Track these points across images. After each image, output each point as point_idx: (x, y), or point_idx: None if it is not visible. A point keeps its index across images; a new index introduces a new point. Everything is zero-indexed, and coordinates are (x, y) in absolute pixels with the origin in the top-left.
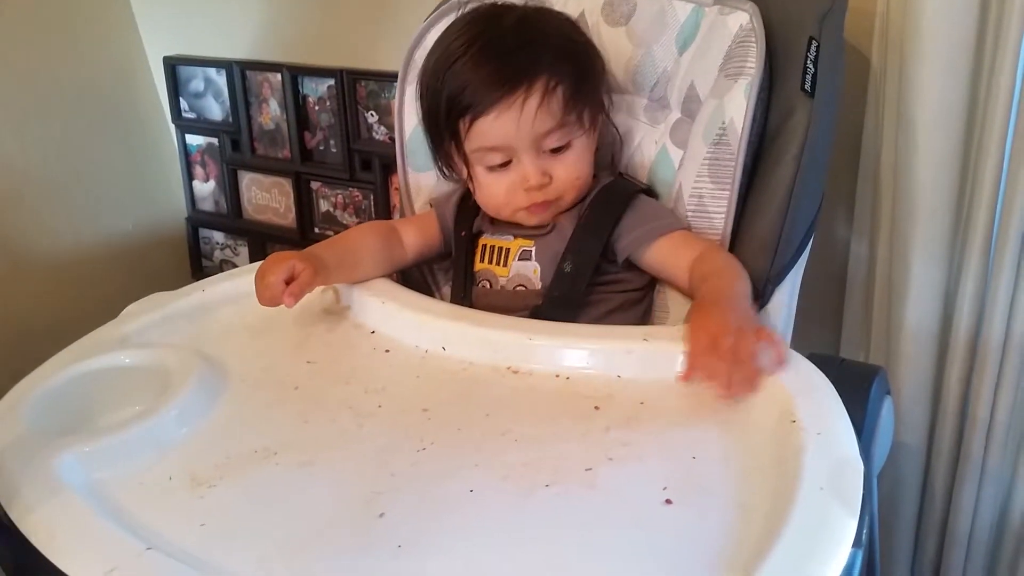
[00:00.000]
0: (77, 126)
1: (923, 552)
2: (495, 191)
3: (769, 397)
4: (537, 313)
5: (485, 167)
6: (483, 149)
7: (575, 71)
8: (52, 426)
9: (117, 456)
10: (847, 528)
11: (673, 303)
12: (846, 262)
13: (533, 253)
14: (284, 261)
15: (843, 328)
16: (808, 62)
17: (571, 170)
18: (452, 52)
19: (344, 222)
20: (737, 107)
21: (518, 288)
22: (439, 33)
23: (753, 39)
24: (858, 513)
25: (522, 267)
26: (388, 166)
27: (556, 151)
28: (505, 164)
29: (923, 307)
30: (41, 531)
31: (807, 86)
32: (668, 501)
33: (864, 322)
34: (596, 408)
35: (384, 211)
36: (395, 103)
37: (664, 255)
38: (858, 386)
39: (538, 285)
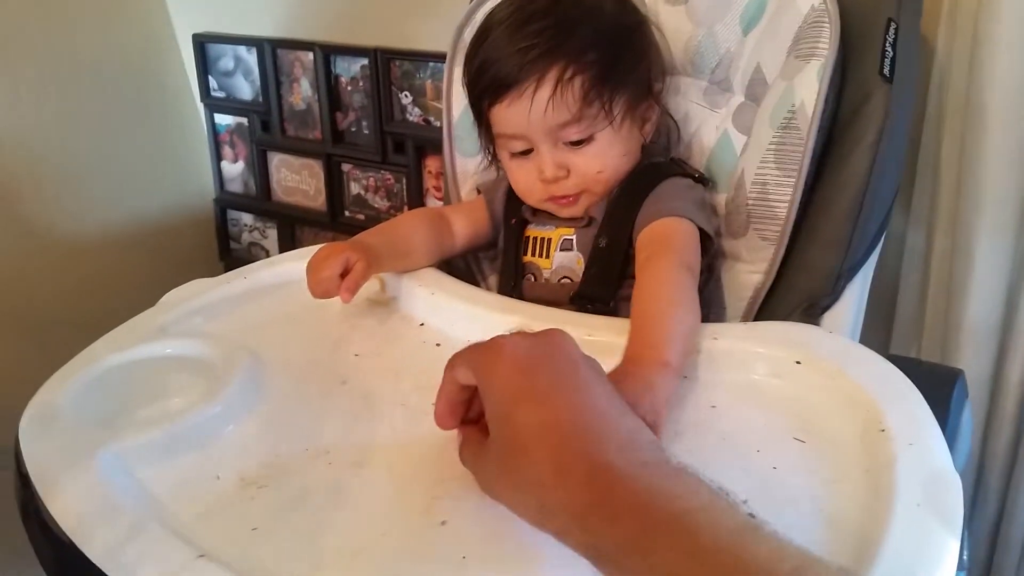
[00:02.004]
0: (102, 105)
1: (975, 556)
2: (517, 179)
3: (852, 403)
4: (578, 296)
5: (508, 152)
6: (504, 135)
7: (604, 59)
8: (91, 419)
9: (161, 453)
10: (949, 549)
11: (731, 298)
12: (899, 255)
13: (574, 242)
14: (338, 253)
15: (895, 323)
16: (887, 45)
17: (592, 164)
18: (489, 25)
19: (375, 205)
20: (808, 90)
21: (563, 280)
22: (490, 9)
23: (827, 19)
24: (960, 532)
25: (565, 257)
26: (422, 148)
27: (576, 143)
28: (527, 151)
29: (984, 303)
30: (84, 532)
31: (886, 70)
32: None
33: (917, 318)
34: None
35: (417, 194)
36: (443, 84)
37: (642, 238)
38: (939, 391)
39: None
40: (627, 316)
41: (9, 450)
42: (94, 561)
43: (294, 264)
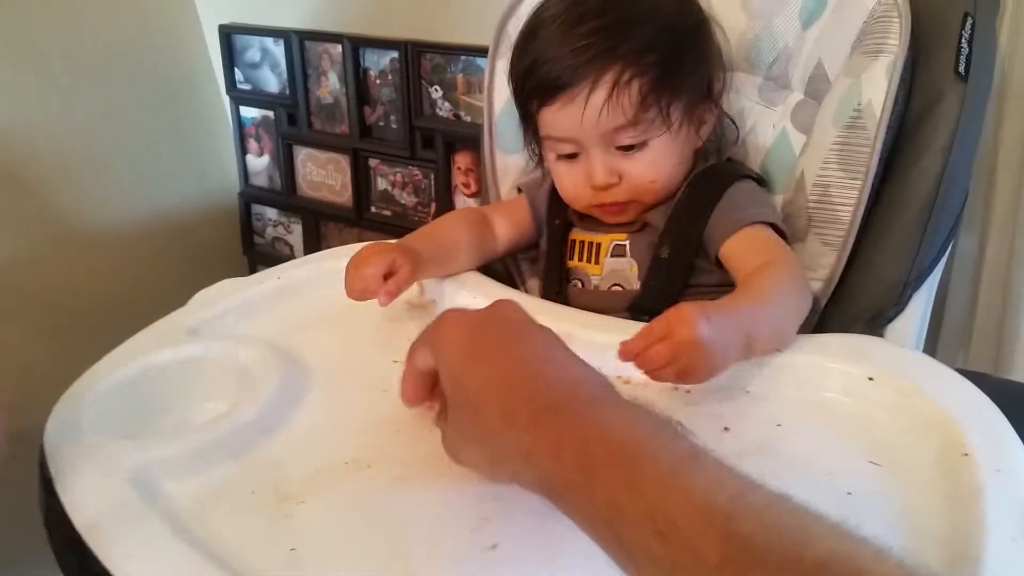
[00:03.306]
0: (126, 97)
1: None
2: (564, 183)
3: (930, 423)
4: (635, 306)
5: (555, 154)
6: (552, 138)
7: (664, 61)
8: (119, 426)
9: (192, 464)
10: None
11: None
12: (950, 260)
13: (628, 248)
14: (384, 253)
15: (941, 330)
16: (963, 41)
17: (646, 172)
18: (540, 20)
19: (402, 201)
20: (877, 88)
21: (614, 288)
22: (534, 3)
23: (896, 14)
24: None
25: (616, 264)
26: (451, 144)
27: (629, 148)
28: (574, 155)
29: None
30: (109, 548)
31: (961, 68)
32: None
33: (965, 327)
34: (726, 429)
35: (445, 191)
36: (485, 78)
37: (735, 250)
38: (1012, 410)
39: (637, 284)
40: None
41: (28, 435)
42: None
43: (330, 264)
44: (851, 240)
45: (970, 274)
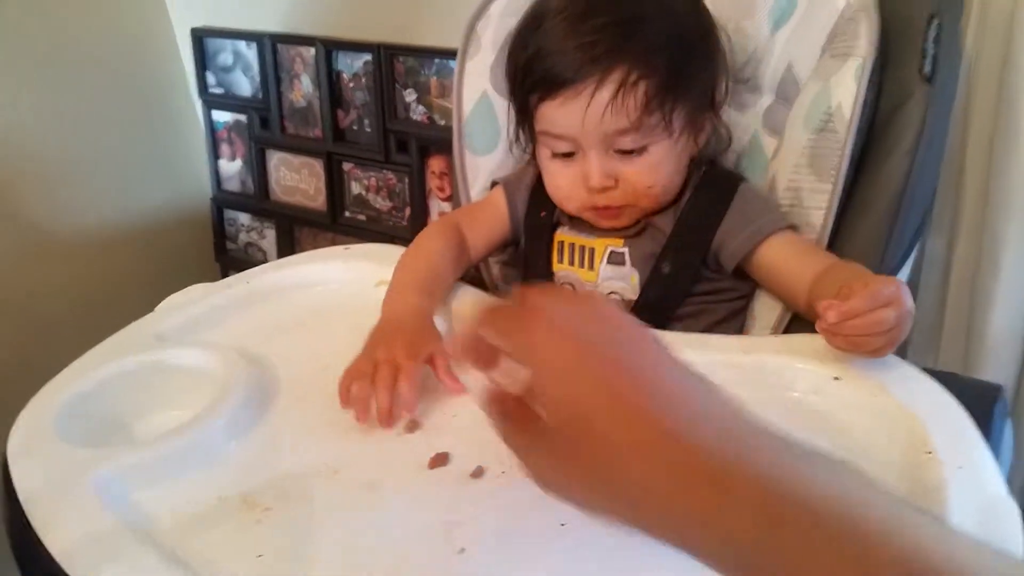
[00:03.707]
0: (99, 100)
1: None
2: (557, 182)
3: (895, 422)
4: (633, 312)
5: (551, 152)
6: (549, 134)
7: (672, 64)
8: (85, 435)
9: (159, 472)
10: None
11: (761, 308)
12: (917, 261)
13: (627, 257)
14: (384, 385)
15: (912, 334)
16: (928, 42)
17: (643, 177)
18: (543, 11)
19: (376, 206)
20: (846, 91)
21: (611, 296)
22: (504, 4)
23: (864, 15)
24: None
25: (615, 272)
26: (426, 148)
27: (628, 152)
28: (571, 154)
29: (1010, 312)
30: (76, 559)
31: (926, 70)
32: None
33: (935, 327)
34: None
35: (419, 195)
36: (454, 78)
37: (783, 258)
38: (978, 408)
39: (636, 293)
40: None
41: None
42: None
43: (299, 268)
44: (824, 242)
45: (939, 276)
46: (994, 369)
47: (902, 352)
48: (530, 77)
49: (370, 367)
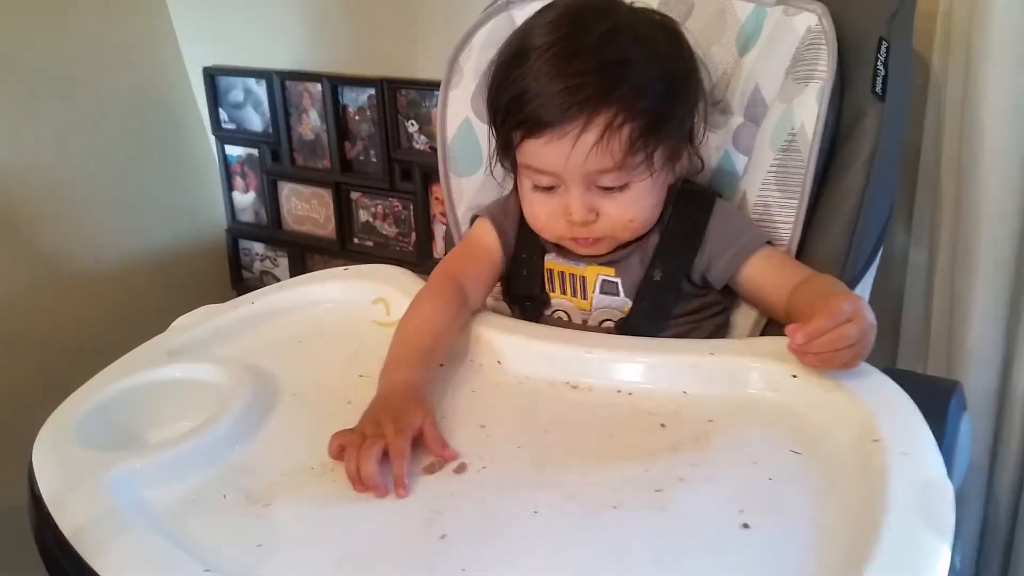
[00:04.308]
0: (116, 138)
1: (987, 569)
2: (537, 212)
3: (848, 414)
4: (624, 326)
5: (532, 184)
6: (531, 168)
7: (656, 108)
8: (102, 442)
9: (169, 473)
10: (940, 556)
11: (737, 316)
12: (903, 272)
13: (620, 287)
14: (368, 452)
15: (900, 339)
16: (879, 63)
17: (624, 212)
18: (526, 47)
19: (383, 232)
20: (808, 112)
21: (604, 323)
22: (485, 36)
23: (824, 41)
24: (951, 540)
25: (609, 301)
26: (429, 175)
27: (609, 188)
28: (552, 188)
29: (987, 316)
30: (97, 551)
31: (878, 88)
32: (745, 525)
33: (923, 334)
34: (662, 426)
35: (424, 221)
36: (437, 108)
37: (763, 275)
38: (936, 402)
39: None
40: None
41: (17, 480)
42: None
43: (301, 289)
44: (792, 254)
45: (922, 284)
46: (976, 371)
47: (892, 361)
48: (515, 115)
49: (359, 440)
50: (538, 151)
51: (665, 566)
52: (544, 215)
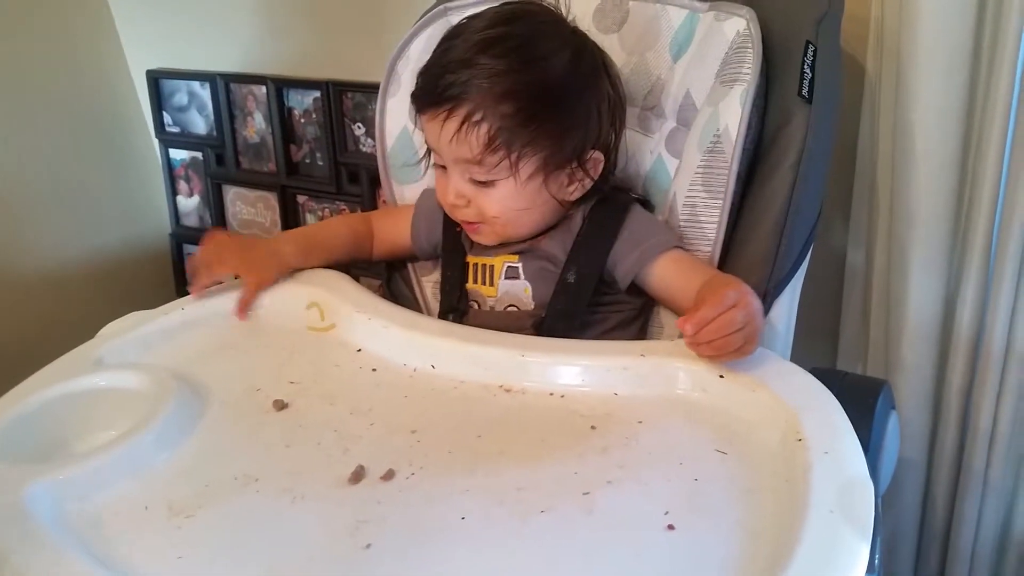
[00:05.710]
0: (59, 140)
1: (925, 566)
2: (437, 187)
3: (773, 414)
4: (541, 327)
5: (433, 161)
6: (428, 144)
7: (520, 115)
8: (24, 454)
9: (90, 485)
10: (859, 553)
11: (668, 319)
12: (842, 272)
13: (521, 271)
14: (224, 268)
15: (840, 340)
16: (805, 67)
17: (490, 207)
18: (459, 30)
19: None
20: (732, 114)
21: (509, 308)
22: (423, 43)
23: (750, 45)
24: (870, 537)
25: (511, 286)
26: (376, 179)
27: (480, 182)
28: (445, 168)
29: (922, 316)
30: (10, 566)
31: (804, 91)
32: (670, 527)
33: (862, 333)
34: (592, 428)
35: None
36: (376, 114)
37: (670, 277)
38: (863, 401)
39: (531, 305)
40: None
41: None
42: None
43: (233, 294)
44: (717, 254)
45: (860, 285)
46: (914, 370)
47: (832, 361)
48: (414, 88)
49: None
50: (425, 127)
51: (592, 569)
52: (439, 191)
